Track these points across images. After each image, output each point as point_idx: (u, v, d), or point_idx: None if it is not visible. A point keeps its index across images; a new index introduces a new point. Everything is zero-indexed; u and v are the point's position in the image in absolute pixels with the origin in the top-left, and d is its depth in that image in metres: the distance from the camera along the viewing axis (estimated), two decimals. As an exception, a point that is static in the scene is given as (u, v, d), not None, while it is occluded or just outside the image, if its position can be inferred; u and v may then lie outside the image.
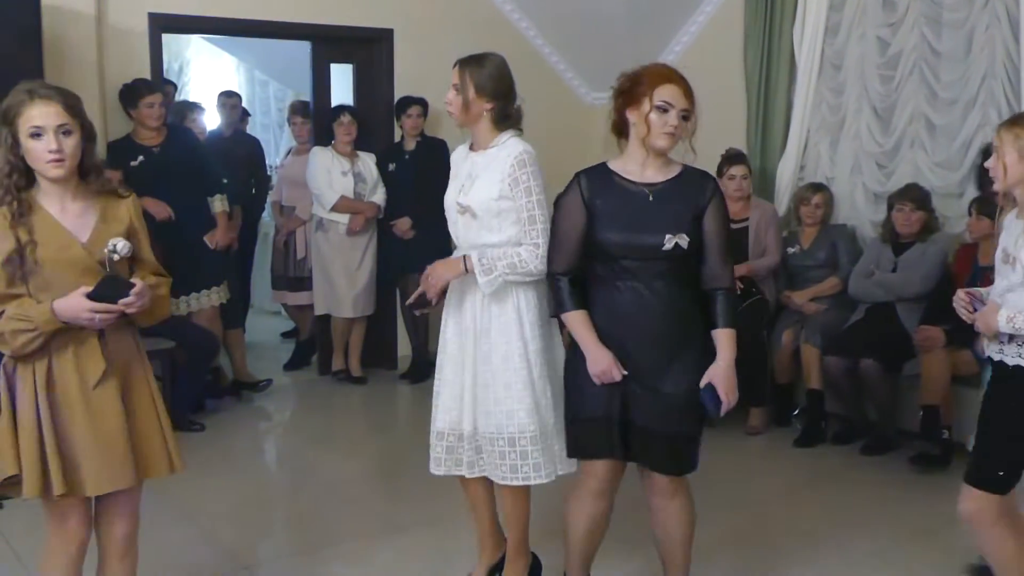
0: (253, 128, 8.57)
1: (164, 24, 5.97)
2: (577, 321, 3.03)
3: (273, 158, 8.87)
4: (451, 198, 3.33)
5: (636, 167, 3.01)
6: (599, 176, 3.05)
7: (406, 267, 6.34)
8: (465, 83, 3.23)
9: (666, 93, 2.90)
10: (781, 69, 6.23)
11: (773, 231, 5.72)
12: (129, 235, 2.70)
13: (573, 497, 3.18)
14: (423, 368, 6.54)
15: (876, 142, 5.80)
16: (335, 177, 6.32)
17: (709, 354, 3.02)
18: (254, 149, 7.46)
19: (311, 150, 6.52)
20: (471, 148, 3.35)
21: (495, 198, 3.19)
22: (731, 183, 5.70)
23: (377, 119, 6.82)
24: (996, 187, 2.99)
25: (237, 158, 6.93)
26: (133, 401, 2.74)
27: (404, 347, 6.82)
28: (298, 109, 7.29)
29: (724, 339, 3.00)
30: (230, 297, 5.94)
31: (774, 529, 4.22)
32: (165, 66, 6.54)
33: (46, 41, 4.79)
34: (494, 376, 3.22)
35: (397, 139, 6.73)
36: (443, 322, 3.41)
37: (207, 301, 5.73)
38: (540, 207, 3.19)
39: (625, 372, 2.97)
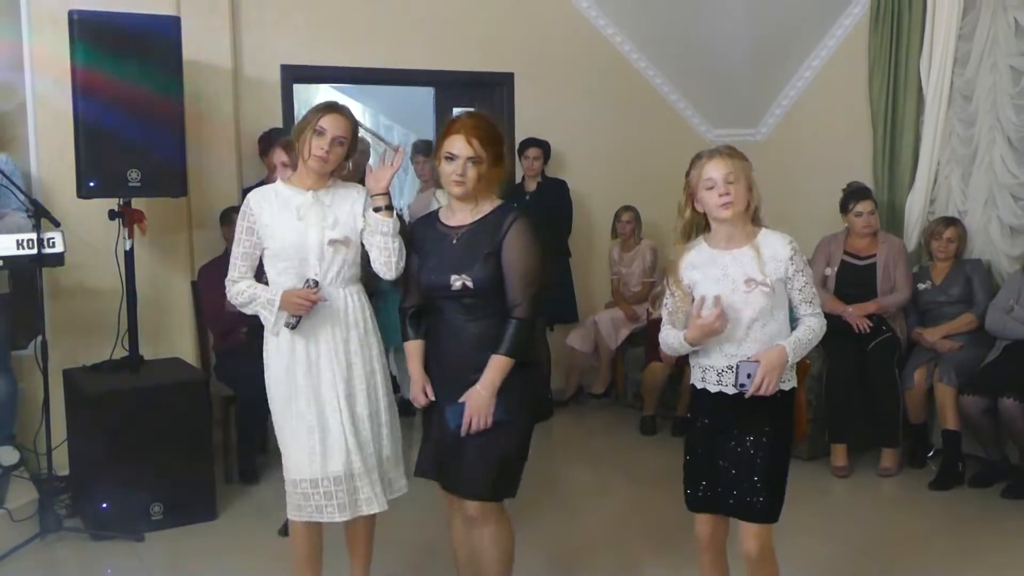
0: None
1: (296, 75, 6.22)
2: (410, 350, 3.28)
3: (397, 200, 9.07)
4: (313, 239, 3.32)
5: (450, 212, 3.22)
6: (428, 220, 3.30)
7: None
8: (351, 139, 3.36)
9: (449, 144, 3.08)
10: (908, 101, 6.10)
11: (902, 267, 5.57)
12: None
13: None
14: (545, 406, 6.58)
15: (1011, 173, 5.60)
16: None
17: (526, 383, 3.15)
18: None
19: (434, 191, 6.65)
20: (303, 187, 3.39)
21: (361, 229, 3.36)
22: (858, 220, 5.59)
23: (498, 161, 6.93)
24: (730, 213, 2.96)
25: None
26: None
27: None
28: (420, 148, 7.44)
29: (493, 364, 3.08)
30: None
31: (908, 575, 4.07)
32: (295, 114, 6.80)
33: (187, 94, 5.03)
34: (366, 405, 3.36)
35: (518, 180, 6.83)
36: (304, 370, 3.33)
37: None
38: None
39: (432, 399, 3.20)
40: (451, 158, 3.07)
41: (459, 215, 3.17)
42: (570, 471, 5.73)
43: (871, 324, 5.45)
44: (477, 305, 3.11)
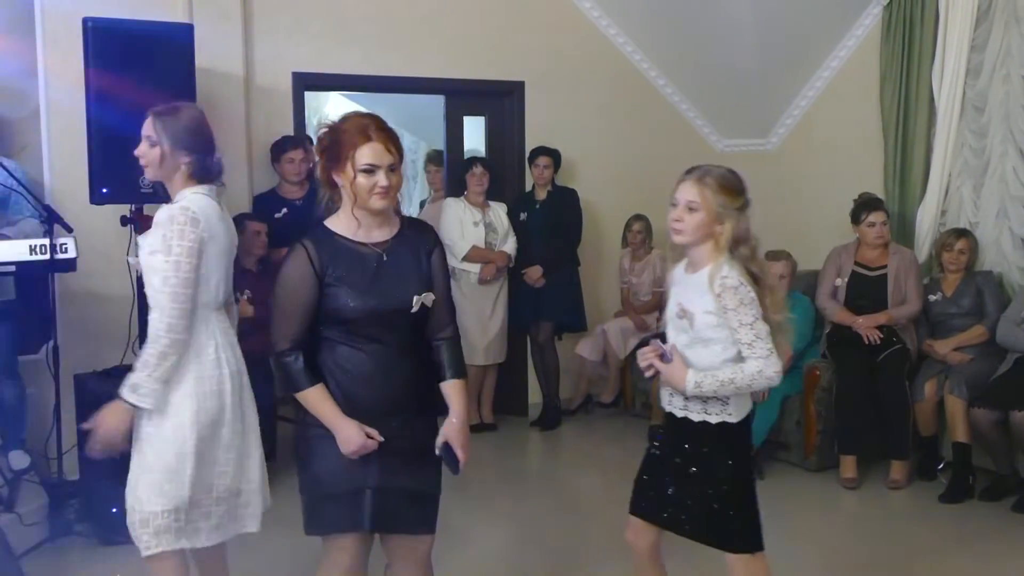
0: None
1: (307, 83, 6.25)
2: (317, 398, 2.78)
3: (406, 208, 9.09)
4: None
5: (359, 229, 2.80)
6: (325, 241, 2.80)
7: (537, 314, 6.46)
8: (160, 135, 3.06)
9: (367, 154, 2.71)
10: (920, 112, 6.10)
11: (913, 278, 5.55)
12: None
13: None
14: (554, 415, 6.59)
15: (1023, 185, 5.58)
16: (467, 228, 6.45)
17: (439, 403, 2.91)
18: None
19: (444, 201, 6.67)
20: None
21: (148, 253, 3.00)
22: (871, 230, 5.58)
23: (509, 169, 6.95)
24: (678, 240, 2.88)
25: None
26: None
27: (535, 394, 6.86)
28: (433, 158, 7.53)
29: (455, 392, 2.88)
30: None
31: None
32: (307, 122, 6.82)
33: (199, 101, 5.05)
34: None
35: (528, 188, 6.83)
36: None
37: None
38: (176, 268, 2.93)
39: (381, 439, 2.77)
40: (371, 170, 2.71)
41: (375, 231, 2.81)
42: (578, 479, 5.72)
43: (881, 335, 5.44)
44: (413, 326, 2.83)
